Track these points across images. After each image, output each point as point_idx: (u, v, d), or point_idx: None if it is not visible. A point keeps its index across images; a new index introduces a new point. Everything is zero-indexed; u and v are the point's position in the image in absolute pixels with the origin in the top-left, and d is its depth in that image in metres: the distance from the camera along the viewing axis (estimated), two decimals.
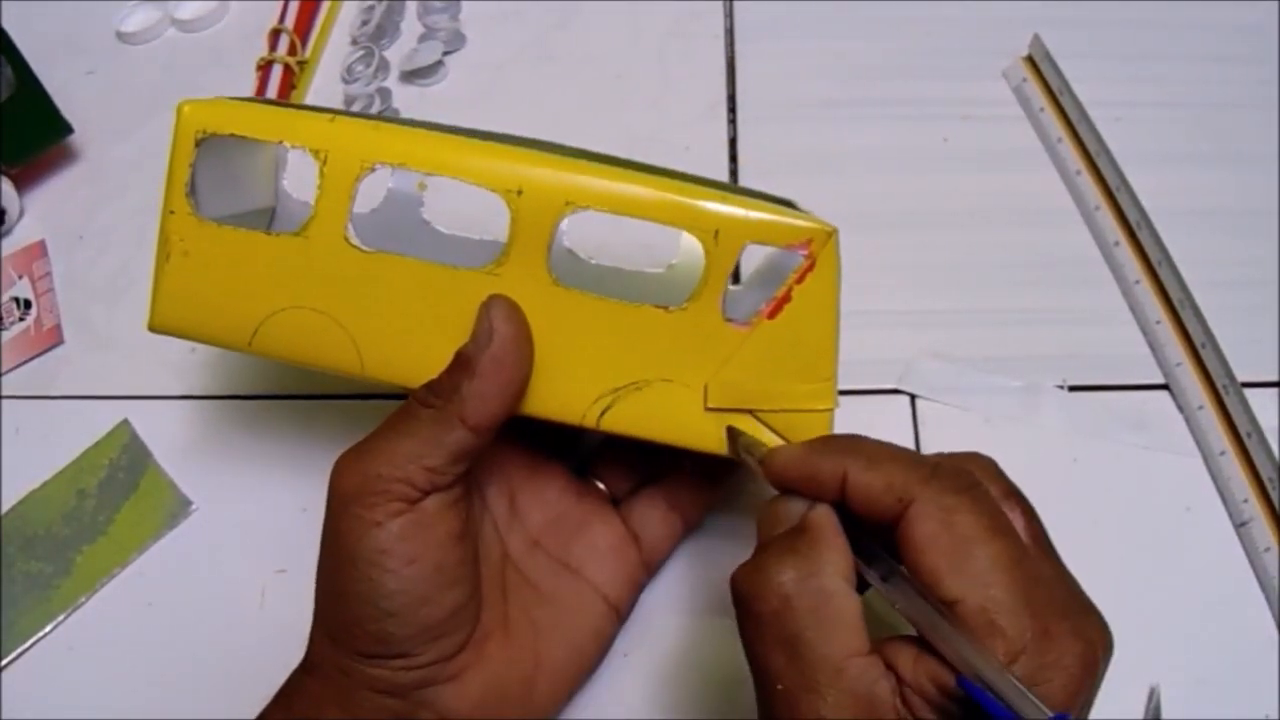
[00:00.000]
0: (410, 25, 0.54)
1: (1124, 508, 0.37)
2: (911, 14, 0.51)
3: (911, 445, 0.38)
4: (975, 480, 0.25)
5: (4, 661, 0.37)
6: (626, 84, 0.50)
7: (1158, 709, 0.32)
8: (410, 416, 0.28)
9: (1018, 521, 0.25)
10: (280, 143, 0.30)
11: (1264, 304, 0.41)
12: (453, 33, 0.53)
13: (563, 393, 0.30)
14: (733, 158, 0.47)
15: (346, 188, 0.30)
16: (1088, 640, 0.23)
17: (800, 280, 0.29)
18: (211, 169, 0.31)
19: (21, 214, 0.49)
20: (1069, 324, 0.41)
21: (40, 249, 0.48)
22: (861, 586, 0.25)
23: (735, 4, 0.53)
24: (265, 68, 0.51)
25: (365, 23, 0.53)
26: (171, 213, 0.31)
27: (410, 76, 0.52)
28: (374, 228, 0.33)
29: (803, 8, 0.52)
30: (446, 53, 0.52)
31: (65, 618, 0.37)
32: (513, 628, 0.31)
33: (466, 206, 0.31)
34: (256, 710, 0.29)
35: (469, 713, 0.29)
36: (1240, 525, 0.36)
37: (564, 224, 0.29)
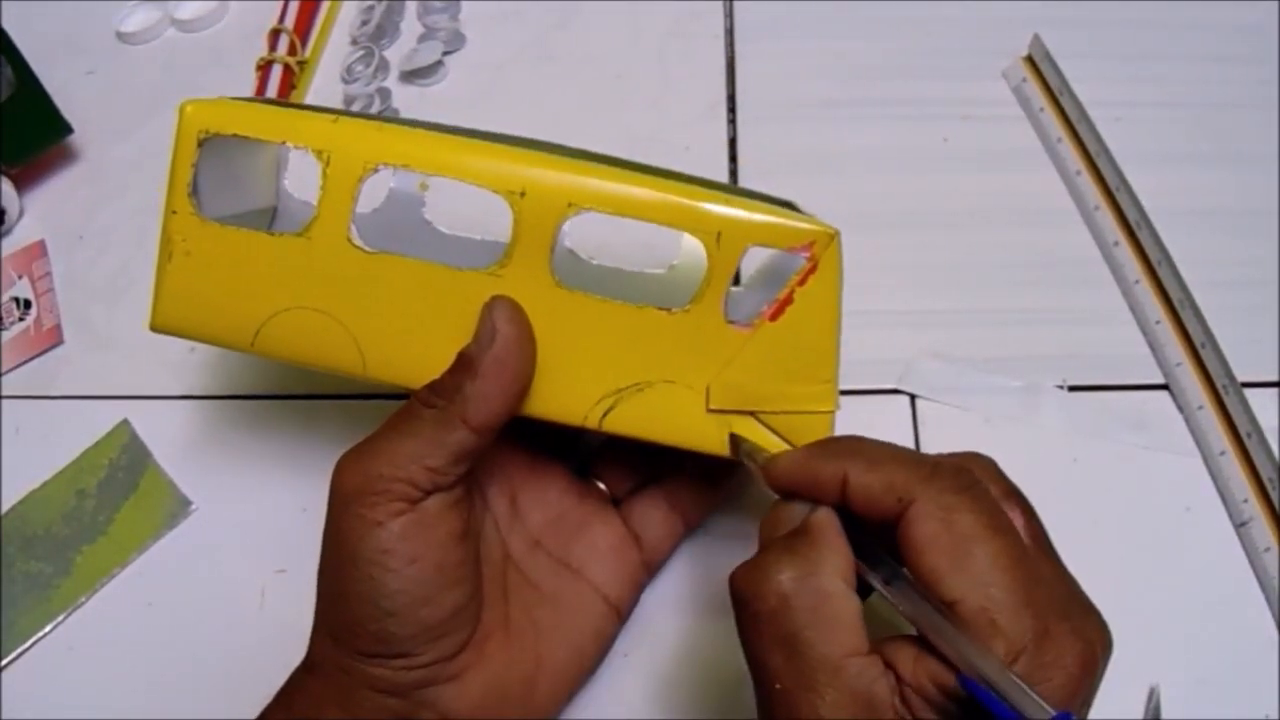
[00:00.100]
0: (410, 25, 0.54)
1: (1124, 508, 0.37)
2: (911, 14, 0.51)
3: (911, 445, 0.38)
4: (975, 480, 0.25)
5: (4, 661, 0.37)
6: (626, 84, 0.50)
7: (1158, 709, 0.32)
8: (412, 417, 0.28)
9: (1018, 521, 0.25)
10: (283, 143, 0.30)
11: (1264, 304, 0.41)
12: (452, 33, 0.53)
13: (565, 394, 0.30)
14: (733, 158, 0.47)
15: (349, 188, 0.30)
16: (1087, 640, 0.23)
17: (802, 282, 0.29)
18: (213, 169, 0.31)
19: (21, 214, 0.49)
20: (1069, 324, 0.41)
21: (40, 249, 0.48)
22: (865, 591, 0.25)
23: (735, 4, 0.53)
24: (265, 68, 0.51)
25: (365, 23, 0.53)
26: (174, 213, 0.31)
27: (410, 76, 0.52)
28: (375, 228, 0.33)
29: (803, 8, 0.52)
30: (446, 53, 0.52)
31: (65, 618, 0.37)
32: (513, 628, 0.31)
33: (467, 207, 0.31)
34: (256, 710, 0.29)
35: (470, 712, 0.29)
36: (1240, 525, 0.36)
37: (565, 224, 0.29)
